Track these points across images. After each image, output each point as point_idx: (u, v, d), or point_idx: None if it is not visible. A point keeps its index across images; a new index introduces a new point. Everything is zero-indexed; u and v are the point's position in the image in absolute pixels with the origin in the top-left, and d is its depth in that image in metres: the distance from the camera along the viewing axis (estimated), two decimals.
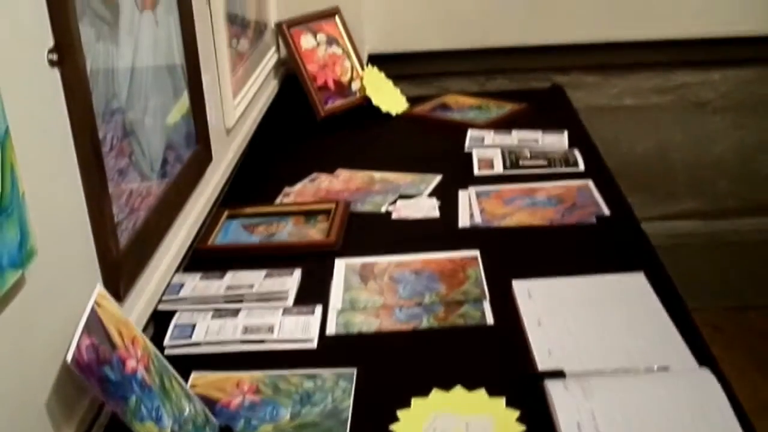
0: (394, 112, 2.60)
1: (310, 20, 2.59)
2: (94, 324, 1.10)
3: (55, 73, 1.13)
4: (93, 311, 1.11)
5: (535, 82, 2.94)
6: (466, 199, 1.96)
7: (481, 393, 1.29)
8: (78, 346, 1.04)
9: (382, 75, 2.68)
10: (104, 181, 1.21)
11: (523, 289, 1.55)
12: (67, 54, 1.13)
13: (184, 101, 1.67)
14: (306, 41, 2.56)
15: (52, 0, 1.11)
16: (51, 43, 1.12)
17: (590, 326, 1.43)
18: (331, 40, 2.62)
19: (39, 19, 1.10)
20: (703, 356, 1.34)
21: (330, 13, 2.64)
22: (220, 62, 1.95)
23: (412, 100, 2.68)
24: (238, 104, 2.08)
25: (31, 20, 1.08)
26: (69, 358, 1.02)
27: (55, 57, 1.12)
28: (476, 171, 2.13)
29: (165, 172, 1.53)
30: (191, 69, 1.69)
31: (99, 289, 1.16)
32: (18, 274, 0.96)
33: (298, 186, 2.11)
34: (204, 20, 1.85)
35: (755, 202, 3.12)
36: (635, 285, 1.55)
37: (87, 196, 1.19)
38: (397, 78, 2.73)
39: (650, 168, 3.07)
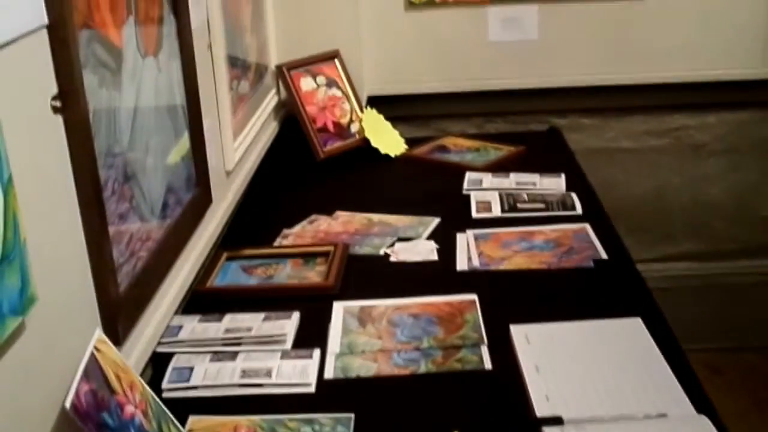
0: (392, 154, 2.62)
1: (310, 63, 2.62)
2: (93, 370, 1.10)
3: (58, 120, 1.14)
4: (92, 357, 1.11)
5: (532, 125, 2.96)
6: (464, 242, 1.97)
7: None
8: (77, 393, 1.04)
9: (381, 117, 2.70)
10: (105, 226, 1.22)
11: (521, 334, 1.56)
12: (70, 101, 1.15)
13: (184, 142, 1.68)
14: (306, 83, 2.59)
15: (57, 48, 1.13)
16: (55, 90, 1.14)
17: (588, 372, 1.44)
18: (331, 83, 2.64)
19: (44, 67, 1.12)
20: (701, 403, 1.34)
21: (330, 56, 2.66)
22: (221, 106, 1.97)
23: (411, 142, 2.70)
24: (238, 146, 2.09)
25: (36, 67, 1.10)
26: (68, 404, 1.02)
27: (58, 104, 1.14)
28: (474, 214, 2.14)
29: (165, 215, 1.54)
30: (192, 113, 1.71)
31: (98, 334, 1.17)
32: (18, 321, 0.97)
33: (297, 228, 2.12)
34: (205, 64, 1.87)
35: (752, 244, 3.13)
36: (633, 330, 1.55)
37: (87, 242, 1.20)
38: (395, 119, 2.75)
39: (647, 209, 3.08)
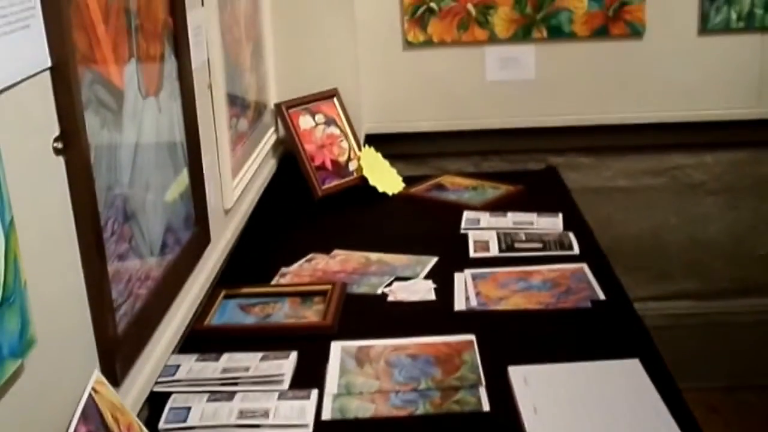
0: (390, 192, 2.63)
1: (309, 101, 2.64)
2: (91, 411, 1.10)
3: (60, 161, 1.15)
4: (90, 398, 1.11)
5: (530, 163, 2.97)
6: (462, 281, 1.97)
7: None
8: None
9: (379, 155, 2.71)
10: (104, 267, 1.22)
11: (519, 375, 1.55)
12: (72, 142, 1.15)
13: (183, 179, 1.68)
14: (304, 122, 2.60)
15: (59, 90, 1.14)
16: (57, 131, 1.14)
17: (586, 414, 1.43)
18: (330, 121, 2.66)
19: (46, 108, 1.13)
20: None
21: (329, 95, 2.68)
22: (221, 145, 1.98)
23: (409, 180, 2.71)
24: (237, 185, 2.10)
25: (39, 109, 1.11)
26: None
27: (60, 145, 1.14)
28: (472, 253, 2.14)
29: (164, 254, 1.54)
30: (192, 152, 1.72)
31: (96, 375, 1.17)
32: (17, 364, 0.97)
33: (295, 266, 2.13)
34: (205, 103, 1.88)
35: (749, 283, 3.13)
36: (631, 372, 1.55)
37: (87, 283, 1.20)
38: (393, 157, 2.77)
39: (645, 248, 3.09)
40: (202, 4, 1.92)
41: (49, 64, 1.12)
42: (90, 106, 1.22)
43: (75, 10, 1.19)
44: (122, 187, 1.35)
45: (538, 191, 2.62)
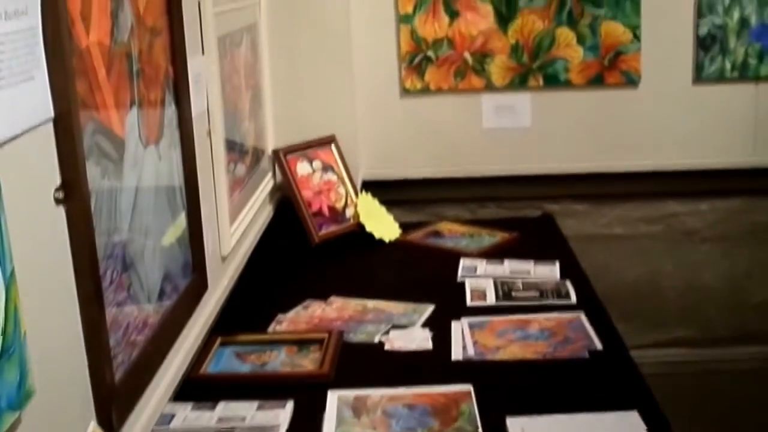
0: (387, 239, 2.63)
1: (306, 147, 2.65)
2: None
3: (60, 211, 1.15)
4: None
5: (526, 210, 2.98)
6: (459, 330, 1.97)
7: None
8: None
9: (376, 201, 2.72)
10: (103, 317, 1.22)
11: (516, 426, 1.55)
12: (73, 192, 1.16)
13: (180, 223, 1.68)
14: (302, 168, 2.61)
15: (62, 140, 1.14)
16: (58, 181, 1.15)
17: None
18: (327, 167, 2.67)
19: (48, 158, 1.13)
20: None
21: (326, 141, 2.70)
22: (219, 192, 1.99)
23: (405, 227, 2.72)
24: (234, 231, 2.10)
25: (41, 159, 1.11)
26: None
27: (61, 195, 1.15)
28: (469, 301, 2.14)
29: (162, 302, 1.54)
30: (191, 200, 1.72)
31: (92, 426, 1.16)
32: (15, 416, 0.96)
33: (291, 313, 2.12)
34: (204, 151, 1.89)
35: (746, 330, 3.13)
36: (629, 424, 1.54)
37: (85, 332, 1.20)
38: (390, 203, 2.77)
39: (641, 296, 3.09)
40: (203, 53, 1.94)
41: (52, 114, 1.12)
42: (91, 156, 1.23)
43: (78, 60, 1.20)
44: (121, 235, 1.35)
45: (534, 239, 2.63)
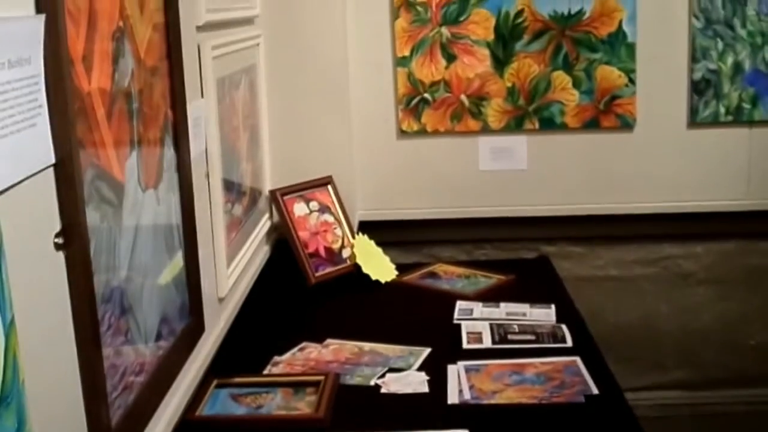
0: (383, 280, 2.63)
1: (303, 188, 2.66)
2: None
3: (60, 257, 1.16)
4: None
5: (522, 252, 2.99)
6: (455, 374, 1.97)
7: None
8: None
9: (372, 243, 2.73)
10: (100, 362, 1.22)
11: None
12: (72, 238, 1.16)
13: (177, 262, 1.69)
14: (299, 209, 2.62)
15: (62, 186, 1.15)
16: (58, 227, 1.15)
17: None
18: (324, 208, 2.68)
19: (48, 204, 1.14)
20: None
21: (323, 182, 2.71)
22: (216, 234, 2.00)
23: (402, 268, 2.72)
24: (232, 273, 2.11)
25: (41, 205, 1.12)
26: None
27: (61, 241, 1.15)
28: (465, 344, 2.14)
29: (159, 345, 1.54)
30: (188, 243, 1.73)
31: None
32: None
33: (287, 355, 2.12)
34: (202, 192, 1.90)
35: (742, 373, 3.12)
36: None
37: (82, 377, 1.20)
38: (386, 244, 2.78)
39: (637, 338, 3.09)
40: (202, 96, 1.95)
41: (53, 160, 1.13)
42: (91, 201, 1.24)
43: (80, 106, 1.21)
44: (120, 279, 1.35)
45: (530, 281, 2.63)
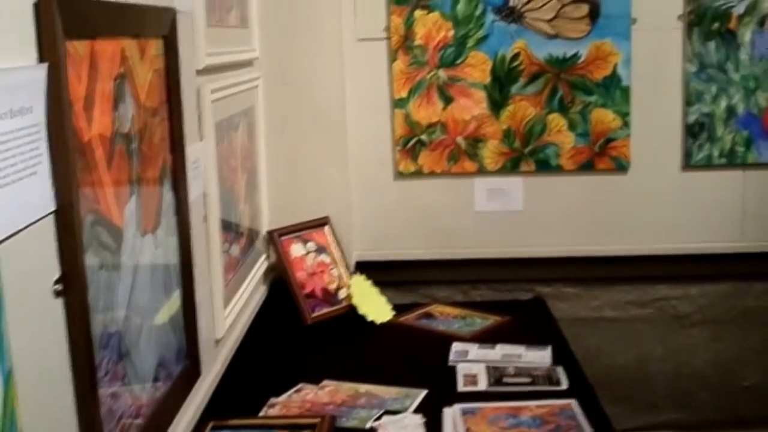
0: (379, 321, 2.64)
1: (300, 229, 2.68)
2: None
3: (59, 304, 1.17)
4: None
5: (517, 293, 3.00)
6: (451, 417, 1.97)
7: None
8: None
9: (369, 283, 2.73)
10: (97, 409, 1.23)
11: None
12: (71, 285, 1.17)
13: (174, 303, 1.69)
14: (295, 249, 2.63)
15: (62, 233, 1.16)
16: (57, 274, 1.16)
17: None
18: (320, 249, 2.69)
19: (47, 251, 1.15)
20: None
21: (320, 223, 2.72)
22: (213, 276, 2.01)
23: (398, 308, 2.73)
24: (228, 315, 2.12)
25: (40, 252, 1.13)
26: None
27: (60, 288, 1.16)
28: (460, 387, 2.15)
29: (155, 389, 1.54)
30: (185, 285, 1.74)
31: None
32: None
33: (284, 397, 2.12)
34: (200, 235, 1.91)
35: (736, 414, 3.12)
36: None
37: (79, 424, 1.20)
38: (383, 284, 2.79)
39: (631, 379, 3.09)
40: (201, 139, 1.97)
41: (53, 207, 1.14)
42: (90, 247, 1.25)
43: (80, 154, 1.23)
44: (117, 325, 1.36)
45: (526, 322, 2.64)
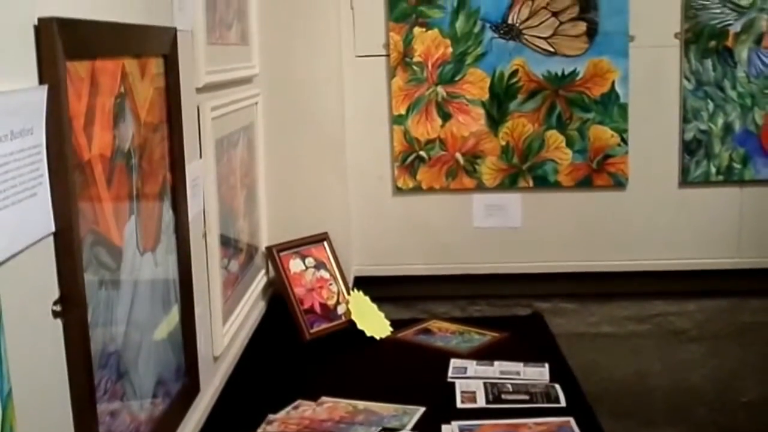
0: (378, 337, 2.64)
1: (299, 245, 2.68)
2: None
3: (58, 324, 1.17)
4: None
5: (515, 308, 3.01)
6: None
7: None
8: None
9: (368, 299, 2.74)
10: (96, 429, 1.23)
11: None
12: (71, 305, 1.18)
13: (173, 318, 1.70)
14: (294, 265, 2.64)
15: (62, 254, 1.16)
16: (56, 294, 1.17)
17: None
18: (319, 265, 2.70)
19: (47, 272, 1.15)
20: None
21: (319, 239, 2.73)
22: (213, 293, 2.01)
23: (396, 324, 2.73)
24: (227, 331, 2.12)
25: (40, 273, 1.14)
26: None
27: (59, 308, 1.17)
28: (459, 404, 2.15)
29: (154, 407, 1.55)
30: (184, 303, 1.74)
31: None
32: None
33: (282, 413, 2.12)
34: (199, 252, 1.92)
35: (734, 429, 3.12)
36: None
37: None
38: (381, 300, 2.79)
39: (629, 394, 3.09)
40: (201, 156, 1.98)
41: (53, 229, 1.15)
42: (90, 267, 1.25)
43: (80, 174, 1.23)
44: (116, 344, 1.37)
45: (524, 338, 2.64)
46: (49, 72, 1.14)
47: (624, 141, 2.89)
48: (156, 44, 1.65)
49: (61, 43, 1.15)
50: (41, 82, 1.14)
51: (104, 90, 1.34)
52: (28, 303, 1.10)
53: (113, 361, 1.34)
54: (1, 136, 1.02)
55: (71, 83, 1.20)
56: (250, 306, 2.42)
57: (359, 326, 2.64)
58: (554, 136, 2.89)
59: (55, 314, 1.16)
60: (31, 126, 1.10)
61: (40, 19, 1.13)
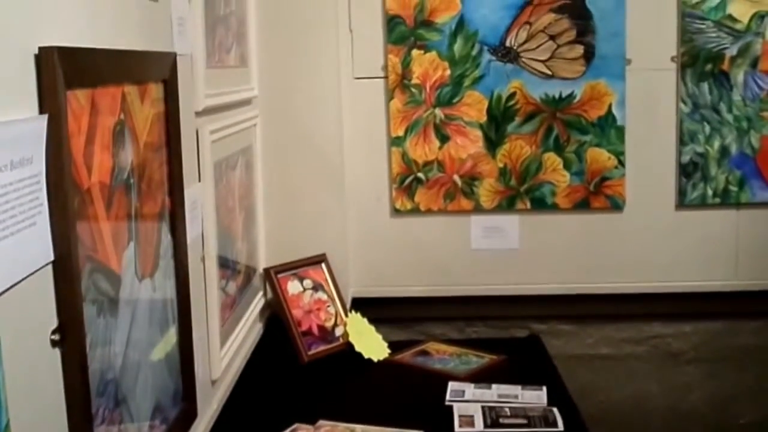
0: (375, 359, 2.64)
1: (297, 267, 2.68)
2: None
3: (56, 353, 1.17)
4: None
5: (513, 330, 3.01)
6: None
7: None
8: None
9: (365, 321, 2.74)
10: None
11: None
12: (69, 334, 1.18)
13: (170, 339, 1.70)
14: (292, 287, 2.64)
15: (61, 283, 1.17)
16: (55, 323, 1.17)
17: None
18: (317, 286, 2.70)
19: (45, 301, 1.16)
20: None
21: (317, 260, 2.73)
22: (210, 317, 2.02)
23: (394, 346, 2.73)
24: (225, 354, 2.12)
25: (38, 302, 1.14)
26: None
27: (57, 337, 1.17)
28: (456, 428, 2.14)
29: None
30: (182, 327, 1.74)
31: None
32: None
33: None
34: (197, 276, 1.92)
35: None
36: None
37: None
38: (379, 321, 2.79)
39: (626, 416, 3.09)
40: (199, 180, 1.98)
41: (52, 258, 1.15)
42: (88, 295, 1.26)
43: (79, 202, 1.24)
44: (115, 372, 1.37)
45: (521, 361, 2.64)
46: (49, 101, 1.15)
47: (621, 163, 2.90)
48: (156, 70, 1.65)
49: (61, 72, 1.15)
50: (41, 111, 1.14)
51: (104, 117, 1.35)
52: (27, 333, 1.10)
53: (111, 388, 1.34)
54: (0, 166, 1.02)
55: (71, 112, 1.21)
56: (248, 328, 2.42)
57: (357, 348, 2.63)
58: (551, 159, 2.91)
59: (54, 343, 1.16)
60: (31, 155, 1.10)
61: (41, 48, 1.13)
